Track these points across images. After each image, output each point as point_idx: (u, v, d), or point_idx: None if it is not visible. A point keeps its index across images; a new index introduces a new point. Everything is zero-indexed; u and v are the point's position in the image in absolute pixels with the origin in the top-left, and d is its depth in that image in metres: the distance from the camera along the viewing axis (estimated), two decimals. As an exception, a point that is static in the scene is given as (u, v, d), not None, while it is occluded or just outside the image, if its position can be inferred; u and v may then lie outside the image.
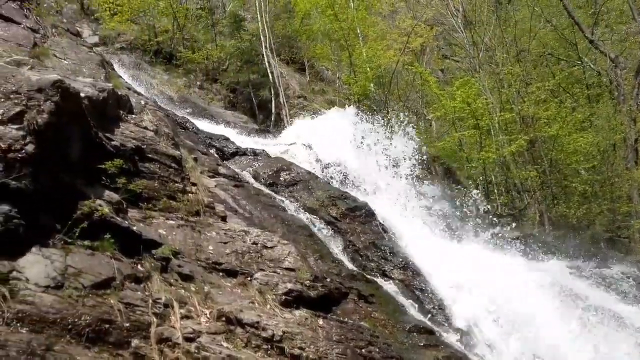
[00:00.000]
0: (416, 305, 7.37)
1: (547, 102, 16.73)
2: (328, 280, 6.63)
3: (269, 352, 5.35)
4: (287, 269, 6.48)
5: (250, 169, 9.45)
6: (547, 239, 13.33)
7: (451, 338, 7.02)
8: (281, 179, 9.30)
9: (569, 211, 14.76)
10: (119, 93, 7.03)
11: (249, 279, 6.15)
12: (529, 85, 17.42)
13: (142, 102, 7.96)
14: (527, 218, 15.92)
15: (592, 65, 18.46)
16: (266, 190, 8.73)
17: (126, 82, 10.15)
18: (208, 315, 5.50)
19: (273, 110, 16.64)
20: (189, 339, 5.07)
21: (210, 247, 6.33)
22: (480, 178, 16.41)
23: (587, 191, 15.11)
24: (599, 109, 16.79)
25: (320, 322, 5.94)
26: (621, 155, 15.90)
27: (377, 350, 5.95)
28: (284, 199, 8.62)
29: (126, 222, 5.65)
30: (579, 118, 15.89)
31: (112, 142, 6.18)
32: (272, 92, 16.92)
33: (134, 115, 7.23)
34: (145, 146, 6.68)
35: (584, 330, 7.53)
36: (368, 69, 17.16)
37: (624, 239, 15.28)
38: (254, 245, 6.60)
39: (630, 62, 18.43)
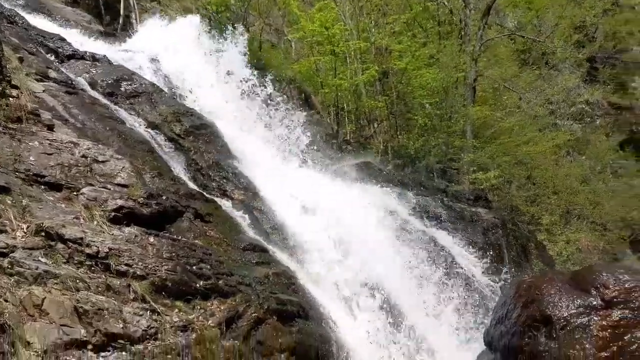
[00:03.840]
0: (253, 225, 7.53)
1: (401, 35, 17.30)
2: (164, 198, 6.48)
3: (92, 268, 5.20)
4: (119, 184, 6.23)
5: (87, 76, 8.69)
6: (387, 167, 14.22)
7: (284, 256, 7.33)
8: (122, 89, 8.72)
9: (409, 142, 15.73)
10: None
11: (75, 193, 5.83)
12: (386, 15, 17.82)
13: (-45, -12, 6.89)
14: (372, 146, 16.76)
15: (445, 3, 19.27)
16: (103, 100, 8.14)
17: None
18: (25, 230, 5.16)
19: (121, 12, 15.32)
20: (1, 254, 4.75)
21: (32, 158, 5.85)
22: (333, 104, 16.82)
23: (427, 124, 16.14)
24: (447, 47, 17.71)
25: (151, 239, 5.85)
26: (460, 93, 17.09)
27: (209, 267, 6.04)
28: (122, 110, 8.13)
29: None
30: (427, 53, 16.67)
31: None
32: (122, -9, 15.52)
33: (-58, 3, 6.26)
34: (-46, 40, 5.85)
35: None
36: (228, -22, 16.37)
37: (454, 170, 16.76)
38: (84, 159, 6.22)
39: (480, 3, 19.52)
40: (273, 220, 7.82)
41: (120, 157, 6.58)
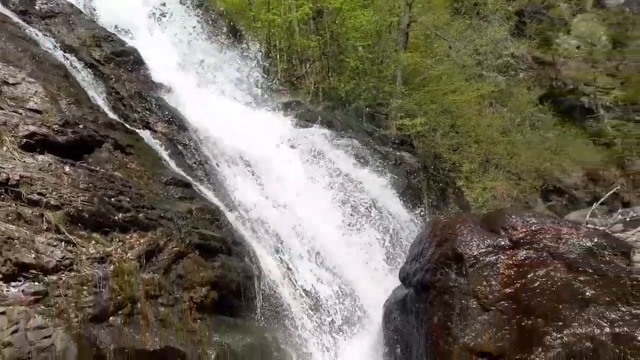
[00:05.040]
0: (176, 159, 7.35)
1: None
2: (81, 126, 6.17)
3: (2, 196, 4.95)
4: (32, 110, 5.87)
5: (-3, -9, 7.97)
6: (317, 108, 14.17)
7: (208, 191, 7.24)
8: (36, 7, 8.05)
9: (340, 84, 15.68)
10: None
11: (-18, 117, 5.44)
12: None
13: None
14: (303, 86, 16.59)
15: (383, -57, 18.91)
16: (15, 19, 7.50)
17: None
18: None
19: None
20: None
21: None
22: (265, 41, 16.38)
23: (359, 67, 16.11)
24: (382, -11, 17.53)
25: (67, 169, 5.60)
26: (393, 38, 17.10)
27: (128, 199, 5.89)
28: (37, 31, 7.54)
29: None
30: (363, -6, 16.47)
31: None
32: None
33: None
34: None
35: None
36: None
37: (382, 114, 16.97)
38: (-8, 80, 5.78)
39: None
40: (198, 155, 7.66)
41: (33, 80, 6.17)
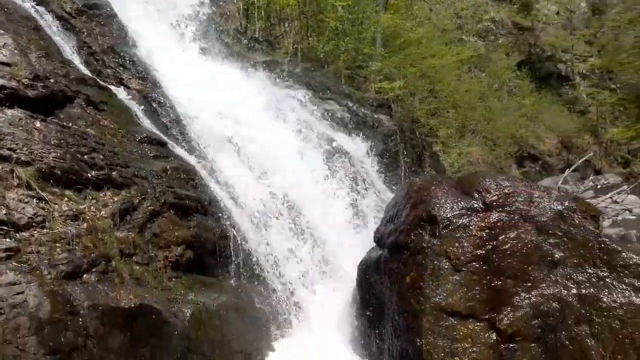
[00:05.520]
0: (151, 117, 7.21)
1: None
2: (52, 81, 6.00)
3: (-30, 151, 4.81)
4: (1, 62, 5.66)
5: (-39, -63, 7.57)
6: (295, 69, 13.99)
7: (182, 151, 7.15)
8: (3, -45, 7.71)
9: (319, 45, 15.48)
10: None
11: (-53, 68, 5.25)
12: None
13: None
14: (282, 46, 16.34)
15: None
16: (-19, -33, 7.19)
17: None
18: None
19: None
20: None
21: None
22: (243, -2, 16.04)
23: (338, 28, 15.89)
24: (362, -51, 17.15)
25: (38, 124, 5.46)
26: (373, -2, 16.86)
27: (102, 157, 5.78)
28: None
29: None
30: (343, -48, 16.10)
31: None
32: None
33: None
34: None
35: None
36: None
37: (361, 77, 16.84)
38: (-43, 30, 5.56)
39: None
40: (173, 113, 7.52)
41: (2, 32, 5.94)
